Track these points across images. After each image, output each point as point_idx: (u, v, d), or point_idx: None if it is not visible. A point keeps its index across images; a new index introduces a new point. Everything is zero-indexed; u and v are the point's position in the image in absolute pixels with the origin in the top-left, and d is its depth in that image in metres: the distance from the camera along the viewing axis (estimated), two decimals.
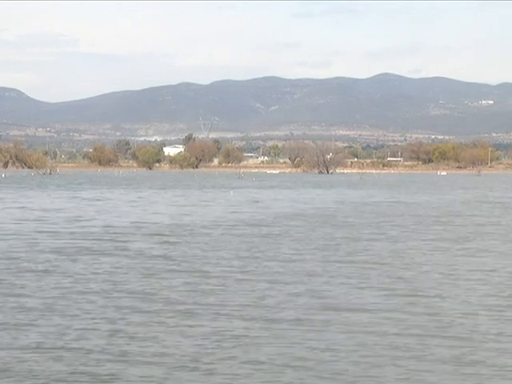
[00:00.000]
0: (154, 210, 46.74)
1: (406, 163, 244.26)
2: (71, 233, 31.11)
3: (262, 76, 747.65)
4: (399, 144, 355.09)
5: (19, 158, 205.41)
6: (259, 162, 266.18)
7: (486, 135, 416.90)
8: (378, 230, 33.42)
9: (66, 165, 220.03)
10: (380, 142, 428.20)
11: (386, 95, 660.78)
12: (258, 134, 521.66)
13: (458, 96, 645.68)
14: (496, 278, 19.86)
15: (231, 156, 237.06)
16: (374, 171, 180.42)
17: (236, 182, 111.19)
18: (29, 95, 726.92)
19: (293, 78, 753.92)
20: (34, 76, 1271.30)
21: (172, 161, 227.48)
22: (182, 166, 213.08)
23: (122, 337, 13.23)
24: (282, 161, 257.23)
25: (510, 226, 36.95)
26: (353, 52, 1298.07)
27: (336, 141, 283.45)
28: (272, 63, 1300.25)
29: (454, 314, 15.27)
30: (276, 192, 75.23)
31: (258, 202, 56.36)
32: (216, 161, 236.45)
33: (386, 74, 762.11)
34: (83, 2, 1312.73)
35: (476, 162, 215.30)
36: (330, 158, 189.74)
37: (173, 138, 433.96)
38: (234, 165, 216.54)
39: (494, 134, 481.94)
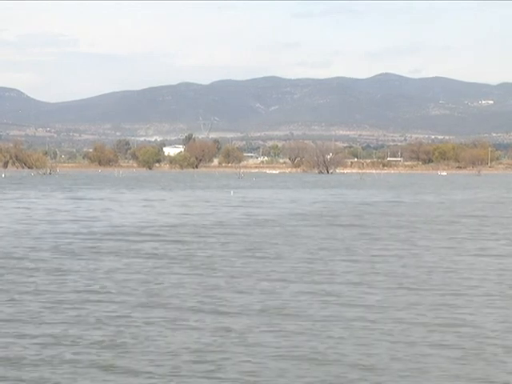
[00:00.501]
0: (167, 210, 46.94)
1: (406, 163, 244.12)
2: (71, 232, 31.24)
3: (262, 76, 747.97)
4: (399, 144, 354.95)
5: (19, 158, 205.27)
6: (259, 162, 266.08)
7: (485, 135, 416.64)
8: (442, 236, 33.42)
9: (65, 165, 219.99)
10: (380, 142, 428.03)
11: (386, 95, 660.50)
12: (258, 134, 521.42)
13: (458, 96, 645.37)
14: None
15: (231, 156, 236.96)
16: (373, 171, 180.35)
17: (238, 182, 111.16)
18: (29, 95, 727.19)
19: (293, 78, 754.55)
20: (34, 76, 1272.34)
21: (172, 161, 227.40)
22: (181, 166, 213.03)
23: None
24: (281, 161, 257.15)
25: None
26: (353, 52, 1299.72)
27: (336, 141, 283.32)
28: (272, 63, 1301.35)
29: None
30: (277, 192, 75.28)
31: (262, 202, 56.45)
32: (216, 161, 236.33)
33: (386, 74, 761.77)
34: (83, 2, 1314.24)
35: (476, 162, 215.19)
36: (330, 158, 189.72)
37: (173, 138, 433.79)
38: (233, 165, 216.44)
39: (494, 134, 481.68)
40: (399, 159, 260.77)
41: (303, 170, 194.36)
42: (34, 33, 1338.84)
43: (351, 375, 11.26)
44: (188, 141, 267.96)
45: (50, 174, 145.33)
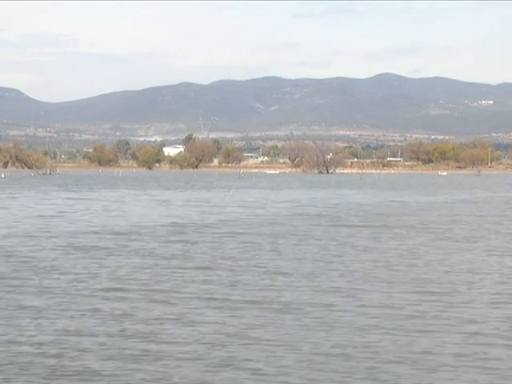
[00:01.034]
0: (174, 210, 47.01)
1: (406, 163, 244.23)
2: (70, 233, 31.24)
3: (262, 76, 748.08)
4: (399, 144, 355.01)
5: (19, 158, 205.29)
6: (259, 162, 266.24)
7: (485, 135, 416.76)
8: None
9: (65, 165, 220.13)
10: (380, 142, 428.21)
11: (386, 95, 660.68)
12: (258, 134, 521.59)
13: (457, 96, 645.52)
14: None
15: (231, 156, 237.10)
16: (373, 171, 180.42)
17: (238, 182, 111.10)
18: (29, 95, 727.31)
19: (293, 77, 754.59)
20: (34, 76, 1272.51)
21: (172, 161, 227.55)
22: (181, 166, 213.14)
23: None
24: (281, 161, 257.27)
25: None
26: (353, 52, 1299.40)
27: (336, 141, 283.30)
28: (272, 63, 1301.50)
29: None
30: (278, 192, 75.29)
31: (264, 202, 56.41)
32: (216, 161, 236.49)
33: (386, 74, 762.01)
34: (83, 2, 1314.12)
35: (476, 162, 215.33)
36: (330, 158, 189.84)
37: (173, 138, 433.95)
38: (233, 165, 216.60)
39: (494, 134, 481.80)
40: (399, 159, 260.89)
41: (303, 170, 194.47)
42: (33, 33, 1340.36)
43: None
44: (188, 141, 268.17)
45: (50, 174, 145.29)
